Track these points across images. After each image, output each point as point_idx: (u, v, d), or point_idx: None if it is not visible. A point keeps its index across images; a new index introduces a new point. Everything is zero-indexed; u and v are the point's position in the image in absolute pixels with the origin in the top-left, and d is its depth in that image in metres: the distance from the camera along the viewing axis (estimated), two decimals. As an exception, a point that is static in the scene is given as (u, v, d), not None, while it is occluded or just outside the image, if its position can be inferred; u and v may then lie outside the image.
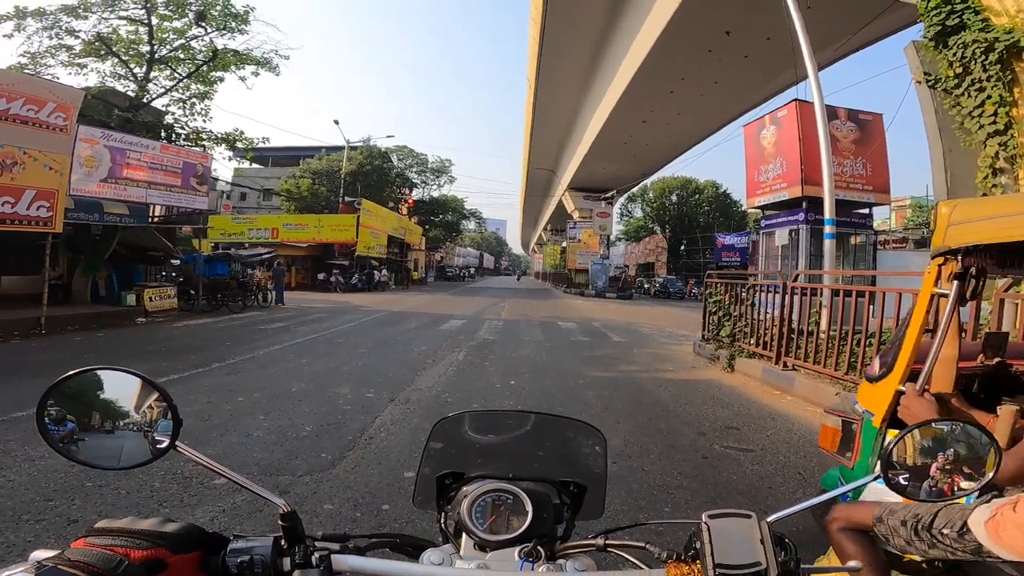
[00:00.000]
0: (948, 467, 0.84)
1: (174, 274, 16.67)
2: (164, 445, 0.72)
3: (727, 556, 0.67)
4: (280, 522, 0.69)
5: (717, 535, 0.69)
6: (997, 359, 2.07)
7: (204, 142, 18.68)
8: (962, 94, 6.21)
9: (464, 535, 0.83)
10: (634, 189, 45.39)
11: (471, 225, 69.89)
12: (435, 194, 46.90)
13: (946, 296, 1.79)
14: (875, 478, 0.81)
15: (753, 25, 13.84)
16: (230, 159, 25.23)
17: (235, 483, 0.72)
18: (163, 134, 17.25)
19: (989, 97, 5.94)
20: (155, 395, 0.72)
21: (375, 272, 29.20)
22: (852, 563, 0.76)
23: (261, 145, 20.86)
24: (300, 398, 5.66)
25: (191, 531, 0.64)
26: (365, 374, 7.02)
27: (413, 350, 9.11)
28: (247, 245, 26.65)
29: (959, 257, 1.75)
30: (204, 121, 19.00)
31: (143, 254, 15.14)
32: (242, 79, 19.53)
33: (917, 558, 1.59)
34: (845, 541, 1.67)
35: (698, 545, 0.69)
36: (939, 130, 6.69)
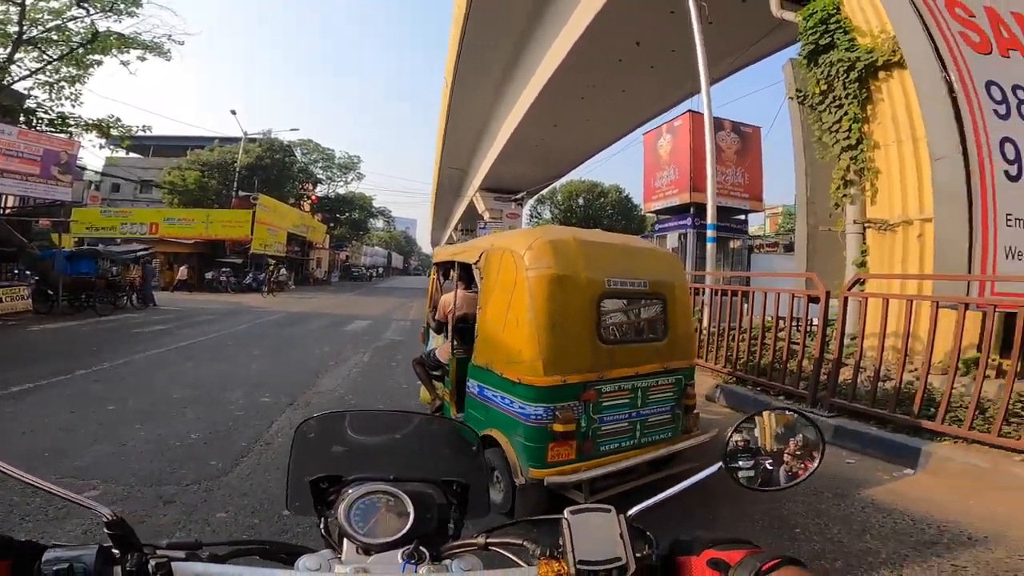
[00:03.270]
0: (795, 452, 0.91)
1: (28, 272, 14.58)
2: None
3: (589, 551, 0.69)
4: (106, 531, 0.65)
5: (578, 530, 0.71)
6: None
7: (71, 128, 16.74)
8: (824, 110, 6.62)
9: (345, 540, 0.80)
10: (543, 191, 46.51)
11: (379, 224, 67.79)
12: (342, 191, 44.94)
13: (436, 279, 4.83)
14: (717, 469, 0.87)
15: (661, 37, 14.58)
16: (102, 147, 22.36)
17: (50, 493, 0.68)
18: (23, 119, 15.38)
19: (846, 113, 6.37)
20: None
21: (273, 271, 27.44)
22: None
23: (141, 133, 18.92)
24: (184, 405, 5.22)
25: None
26: (260, 378, 6.61)
27: (314, 352, 8.70)
28: (119, 241, 23.93)
29: (436, 265, 4.80)
30: (73, 106, 16.97)
31: (-10, 249, 13.11)
32: (124, 63, 17.57)
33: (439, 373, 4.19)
34: (418, 368, 4.33)
35: (562, 541, 0.71)
36: (804, 144, 7.29)
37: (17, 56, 15.50)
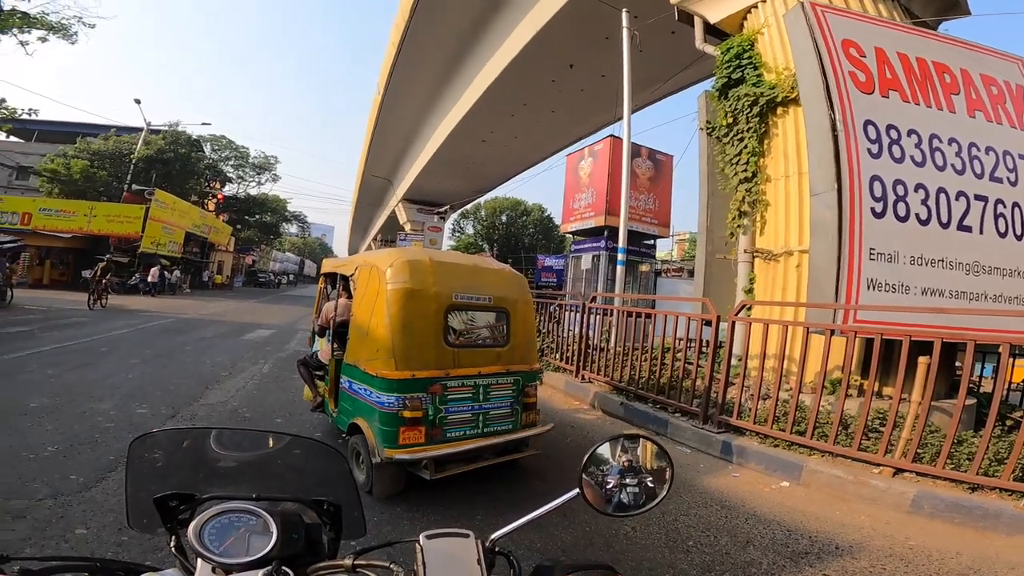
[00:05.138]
0: (652, 477, 0.95)
1: None
2: None
3: None
4: None
5: (432, 556, 0.72)
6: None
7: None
8: (728, 142, 6.90)
9: (200, 560, 0.77)
10: (468, 206, 46.54)
11: (293, 229, 64.47)
12: (254, 192, 42.21)
13: (323, 288, 5.28)
14: (575, 494, 0.91)
15: (594, 62, 15.17)
16: (-24, 128, 19.57)
17: None
18: None
19: (746, 147, 6.68)
20: None
21: (166, 272, 25.14)
22: None
23: (26, 117, 16.87)
24: (41, 415, 4.63)
25: None
26: (137, 387, 5.98)
27: (206, 361, 8.02)
28: (-19, 230, 20.89)
29: (323, 275, 5.25)
30: None
31: None
32: (23, 44, 15.64)
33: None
34: (301, 368, 4.71)
35: (416, 567, 0.71)
36: (708, 174, 7.57)
37: None
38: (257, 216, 43.54)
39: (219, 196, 38.94)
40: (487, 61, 16.99)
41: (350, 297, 4.39)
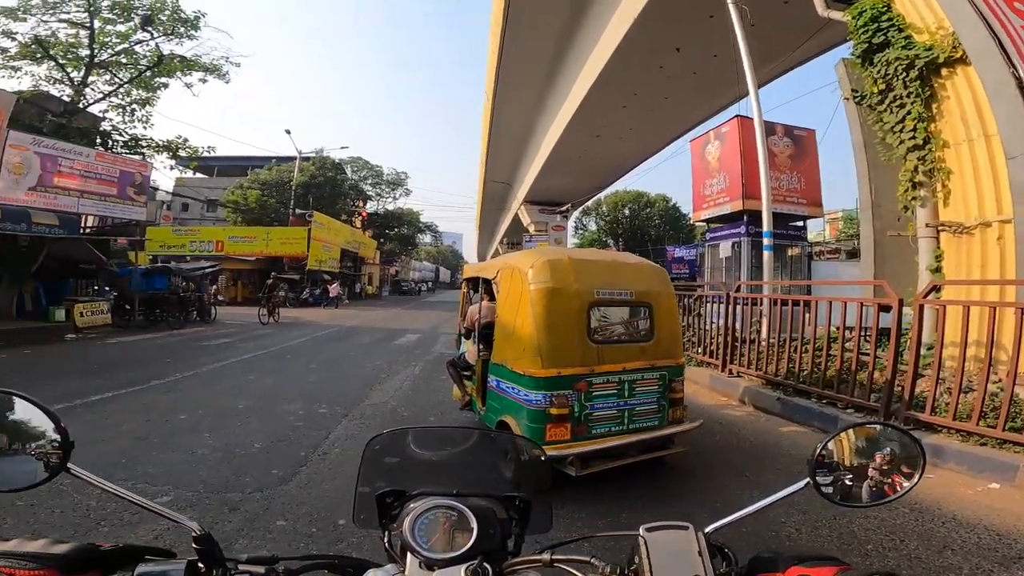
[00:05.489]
0: (886, 467, 0.87)
1: (107, 288, 15.73)
2: (54, 467, 0.73)
3: (665, 570, 0.68)
4: (194, 545, 0.68)
5: (655, 549, 0.70)
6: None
7: (144, 150, 17.90)
8: (884, 110, 6.28)
9: (409, 555, 0.79)
10: (588, 203, 46.16)
11: (427, 238, 69.24)
12: (390, 207, 46.20)
13: (466, 292, 5.53)
14: (804, 485, 0.85)
15: (701, 43, 14.31)
16: (171, 168, 24.05)
17: (139, 506, 0.73)
18: (99, 141, 16.50)
19: (909, 113, 6.02)
20: (47, 418, 0.73)
21: (329, 286, 28.52)
22: None
23: (206, 154, 20.18)
24: (247, 415, 5.46)
25: (86, 551, 0.63)
26: (317, 389, 6.83)
27: (367, 365, 8.93)
28: (188, 258, 25.52)
29: (465, 280, 5.58)
30: (144, 128, 18.19)
31: (73, 267, 14.25)
32: (188, 86, 18.85)
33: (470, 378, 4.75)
34: (451, 369, 5.02)
35: (637, 560, 0.70)
36: (864, 146, 6.93)
37: (90, 80, 16.85)
38: (396, 229, 47.48)
39: (363, 213, 43.15)
40: (588, 57, 16.71)
41: (492, 300, 4.52)
